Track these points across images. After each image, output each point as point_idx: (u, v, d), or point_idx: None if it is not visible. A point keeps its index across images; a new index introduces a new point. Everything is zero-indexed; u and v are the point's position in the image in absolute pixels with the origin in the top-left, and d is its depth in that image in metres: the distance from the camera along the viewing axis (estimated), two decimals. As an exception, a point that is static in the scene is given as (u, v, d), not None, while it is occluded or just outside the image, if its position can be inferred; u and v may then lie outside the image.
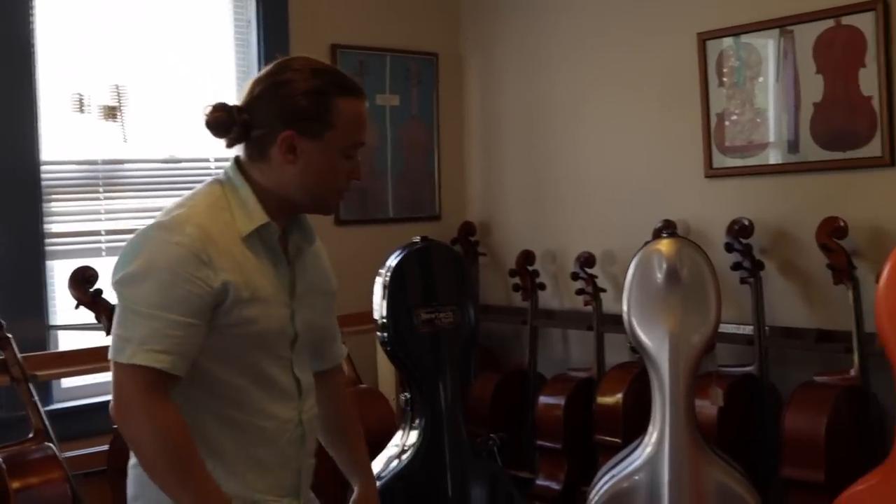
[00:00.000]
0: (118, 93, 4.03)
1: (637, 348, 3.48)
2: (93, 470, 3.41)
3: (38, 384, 3.42)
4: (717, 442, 3.49)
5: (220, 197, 1.97)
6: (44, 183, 3.85)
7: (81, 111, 3.95)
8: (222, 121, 1.95)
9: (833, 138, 3.74)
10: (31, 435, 3.19)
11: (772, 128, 3.94)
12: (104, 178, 4.04)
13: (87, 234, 3.99)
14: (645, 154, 4.40)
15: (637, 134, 4.43)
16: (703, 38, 4.09)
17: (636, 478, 3.30)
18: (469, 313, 3.67)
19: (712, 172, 4.12)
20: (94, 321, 3.42)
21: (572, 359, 4.68)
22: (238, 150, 2.03)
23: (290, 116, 1.93)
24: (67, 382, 3.91)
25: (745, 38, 3.99)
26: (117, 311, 1.88)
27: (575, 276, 4.35)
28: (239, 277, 1.89)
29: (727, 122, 4.05)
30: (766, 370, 3.76)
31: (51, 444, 3.17)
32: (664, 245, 3.44)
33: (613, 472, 3.40)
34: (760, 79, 3.95)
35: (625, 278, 3.48)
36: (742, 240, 3.84)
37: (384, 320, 3.51)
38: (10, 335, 3.34)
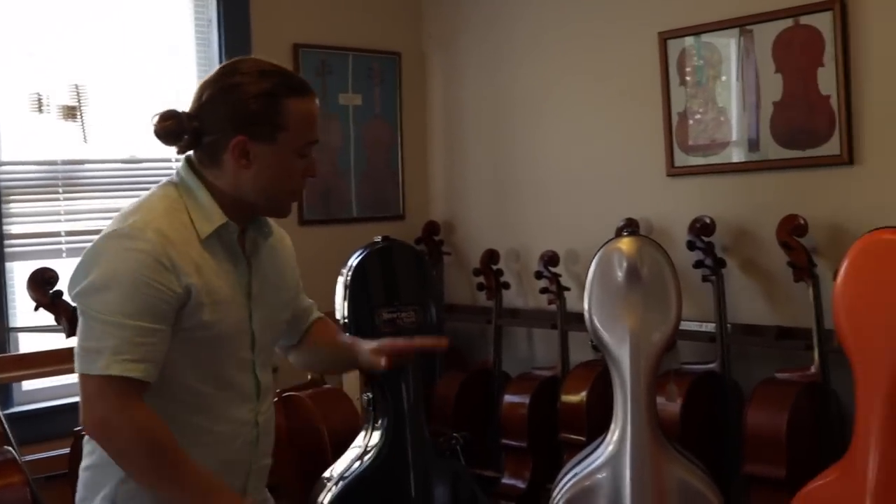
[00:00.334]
0: (77, 92, 3.99)
1: (598, 346, 3.49)
2: (54, 473, 3.36)
3: (-3, 387, 3.39)
4: (680, 439, 3.51)
5: (175, 199, 1.95)
6: (2, 184, 3.83)
7: (40, 111, 3.91)
8: (172, 129, 1.93)
9: (792, 137, 3.77)
10: (-11, 439, 3.16)
11: (734, 126, 3.96)
12: (64, 179, 4.00)
13: (46, 236, 3.95)
14: (607, 152, 4.41)
15: (600, 132, 4.44)
16: (664, 38, 4.11)
17: (598, 476, 3.31)
18: (431, 313, 3.66)
19: (674, 171, 4.15)
20: (54, 323, 3.38)
21: (537, 357, 4.69)
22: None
23: (241, 122, 1.91)
24: (28, 385, 3.88)
25: (705, 38, 4.01)
26: (81, 323, 1.86)
27: (539, 275, 4.36)
28: (199, 280, 1.88)
29: (691, 121, 4.07)
30: (728, 367, 3.79)
31: (10, 448, 3.12)
32: (625, 244, 3.45)
33: (576, 470, 3.41)
34: (723, 77, 3.97)
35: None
36: (704, 238, 3.86)
37: (346, 320, 3.49)
38: (-32, 338, 3.31)
